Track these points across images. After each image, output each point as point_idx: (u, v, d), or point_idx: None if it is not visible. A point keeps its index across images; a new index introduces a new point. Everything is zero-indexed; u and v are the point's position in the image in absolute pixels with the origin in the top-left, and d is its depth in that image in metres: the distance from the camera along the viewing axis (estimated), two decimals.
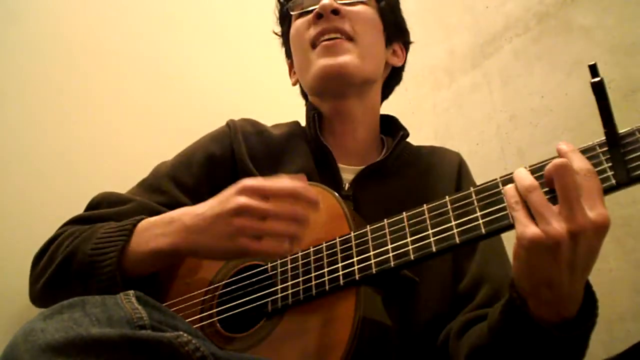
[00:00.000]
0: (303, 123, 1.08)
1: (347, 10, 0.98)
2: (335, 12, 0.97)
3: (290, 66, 1.12)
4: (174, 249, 0.77)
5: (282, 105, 1.28)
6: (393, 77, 1.11)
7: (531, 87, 1.45)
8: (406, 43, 1.11)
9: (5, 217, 1.17)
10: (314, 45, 0.98)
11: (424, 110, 1.76)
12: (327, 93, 1.01)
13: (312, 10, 0.99)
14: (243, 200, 0.71)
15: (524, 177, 0.63)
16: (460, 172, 1.02)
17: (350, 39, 0.97)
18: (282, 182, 0.73)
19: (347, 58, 0.95)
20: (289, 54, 1.11)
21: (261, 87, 1.63)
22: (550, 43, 1.41)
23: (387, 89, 1.12)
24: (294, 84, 1.12)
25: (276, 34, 1.15)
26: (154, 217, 0.83)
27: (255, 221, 0.71)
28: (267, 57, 1.63)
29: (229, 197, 0.72)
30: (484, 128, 1.56)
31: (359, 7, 1.00)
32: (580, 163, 0.61)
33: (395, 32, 1.08)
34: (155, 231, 0.79)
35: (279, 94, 1.53)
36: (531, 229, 0.60)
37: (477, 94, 1.61)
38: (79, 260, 0.80)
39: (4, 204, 1.18)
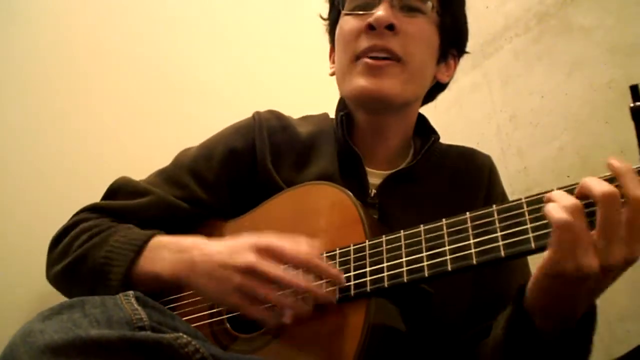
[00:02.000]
0: (333, 114, 1.03)
1: (403, 27, 0.89)
2: (390, 27, 0.88)
3: (332, 52, 1.04)
4: (174, 279, 0.77)
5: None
6: (438, 87, 1.05)
7: (531, 87, 1.44)
8: (461, 54, 1.03)
9: (5, 217, 1.17)
10: (358, 57, 0.91)
11: (424, 110, 1.75)
12: (363, 109, 0.97)
13: (363, 14, 0.91)
14: (254, 260, 0.69)
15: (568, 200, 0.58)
16: (490, 179, 0.99)
17: (398, 59, 0.89)
18: (301, 248, 0.70)
19: (389, 83, 0.88)
20: (332, 40, 1.03)
21: (264, 86, 1.62)
22: (550, 43, 1.41)
23: (429, 97, 1.06)
24: (332, 75, 1.02)
25: (323, 18, 1.07)
26: (167, 237, 0.83)
27: (256, 283, 0.69)
28: (272, 54, 1.63)
29: (242, 251, 0.70)
30: (484, 128, 1.56)
31: (416, 23, 0.91)
32: (636, 191, 0.56)
33: (453, 46, 0.99)
34: (163, 254, 0.79)
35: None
36: (569, 266, 0.57)
37: (477, 94, 1.60)
38: (89, 265, 0.82)
39: (4, 204, 1.18)
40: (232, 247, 0.72)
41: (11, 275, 1.12)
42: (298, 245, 0.71)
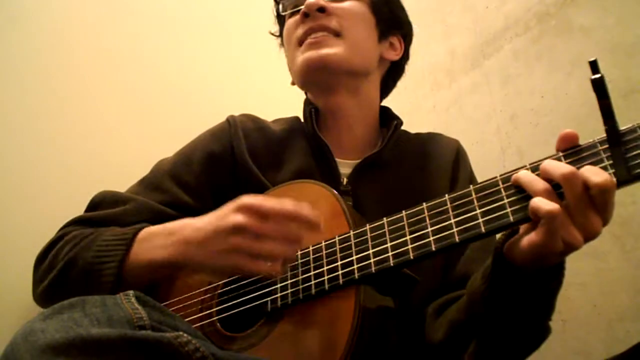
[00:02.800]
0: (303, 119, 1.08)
1: (334, 7, 0.97)
2: (322, 10, 0.96)
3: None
4: (170, 261, 0.77)
5: (280, 103, 1.28)
6: (393, 71, 1.10)
7: (531, 87, 1.45)
8: (405, 36, 1.09)
9: (5, 217, 1.17)
10: (301, 43, 0.98)
11: (424, 110, 1.76)
12: (314, 86, 1.02)
13: (299, 9, 0.99)
14: (239, 218, 0.70)
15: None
16: (457, 160, 1.02)
17: (337, 35, 0.96)
18: (283, 202, 0.71)
19: (331, 50, 0.94)
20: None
21: (259, 85, 1.63)
22: (550, 43, 1.41)
23: (387, 84, 1.10)
24: (293, 84, 1.10)
25: (272, 34, 1.14)
26: (155, 226, 0.82)
27: (250, 240, 0.70)
28: (265, 54, 1.63)
29: (227, 214, 0.72)
30: (484, 128, 1.56)
31: (347, 3, 0.99)
32: (595, 178, 0.60)
33: (391, 25, 1.05)
34: (154, 242, 0.79)
35: (276, 91, 1.54)
36: (559, 245, 0.61)
37: (477, 94, 1.61)
38: (80, 268, 0.81)
39: (4, 204, 1.18)
40: (218, 214, 0.73)
41: (11, 276, 1.12)
42: (281, 201, 0.72)
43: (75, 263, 0.82)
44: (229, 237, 0.70)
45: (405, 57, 1.09)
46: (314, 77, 0.99)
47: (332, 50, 0.95)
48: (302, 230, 0.71)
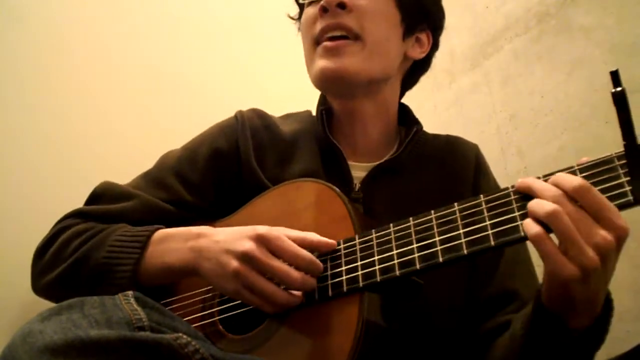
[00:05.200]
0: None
1: (355, 4, 0.89)
2: (342, 5, 0.88)
3: None
4: (184, 266, 0.77)
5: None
6: (418, 67, 1.03)
7: (531, 87, 1.44)
8: (435, 29, 1.00)
9: (5, 215, 1.17)
10: (317, 42, 0.92)
11: (424, 110, 1.75)
12: (331, 93, 0.98)
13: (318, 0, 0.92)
14: (251, 246, 0.70)
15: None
16: (477, 168, 0.98)
17: (356, 37, 0.89)
18: (305, 239, 0.72)
19: (349, 61, 0.88)
20: None
21: (266, 77, 1.62)
22: (550, 43, 1.41)
23: (409, 81, 1.05)
24: None
25: (291, 17, 1.08)
26: (172, 229, 0.82)
27: (252, 273, 0.70)
28: (269, 50, 1.63)
29: (244, 237, 0.71)
30: (484, 128, 1.56)
31: None
32: (570, 183, 0.59)
33: (418, 19, 0.97)
34: (170, 244, 0.79)
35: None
36: (569, 268, 0.58)
37: (477, 94, 1.60)
38: (92, 267, 0.80)
39: (4, 202, 1.18)
40: (235, 234, 0.73)
41: (11, 276, 1.12)
42: (307, 239, 0.72)
43: (84, 263, 0.81)
44: (234, 261, 0.70)
45: (433, 48, 1.02)
46: (329, 87, 0.94)
47: (350, 60, 0.88)
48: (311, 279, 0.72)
